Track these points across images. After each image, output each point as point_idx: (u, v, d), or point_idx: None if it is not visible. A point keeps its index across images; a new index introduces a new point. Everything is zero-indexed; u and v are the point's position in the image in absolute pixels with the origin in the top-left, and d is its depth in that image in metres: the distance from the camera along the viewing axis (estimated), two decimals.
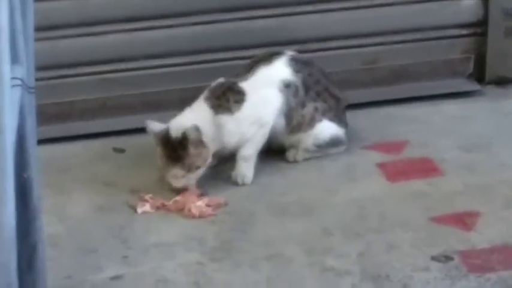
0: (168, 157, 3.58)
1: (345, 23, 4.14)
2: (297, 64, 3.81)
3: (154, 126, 3.62)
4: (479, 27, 4.23)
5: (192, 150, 3.55)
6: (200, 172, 3.60)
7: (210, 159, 3.62)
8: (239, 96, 3.70)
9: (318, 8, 4.10)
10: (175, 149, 3.57)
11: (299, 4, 4.09)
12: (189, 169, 3.57)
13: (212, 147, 3.64)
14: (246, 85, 3.73)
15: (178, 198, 3.56)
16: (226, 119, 3.67)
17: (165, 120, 3.67)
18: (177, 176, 3.58)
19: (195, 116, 3.64)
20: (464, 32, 4.24)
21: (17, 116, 2.11)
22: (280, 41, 3.98)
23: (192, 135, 3.54)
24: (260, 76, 3.77)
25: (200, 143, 3.56)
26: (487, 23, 4.21)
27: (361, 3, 4.14)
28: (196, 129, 3.54)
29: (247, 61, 3.86)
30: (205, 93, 3.70)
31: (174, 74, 4.06)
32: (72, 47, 3.97)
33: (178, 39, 4.05)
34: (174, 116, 3.67)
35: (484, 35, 4.23)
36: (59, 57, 3.94)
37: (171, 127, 3.59)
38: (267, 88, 3.76)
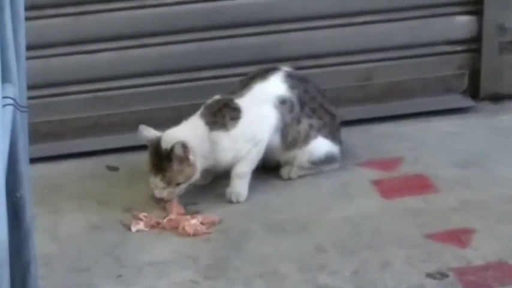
0: (154, 166, 3.59)
1: (338, 40, 4.15)
2: (293, 80, 3.81)
3: (148, 132, 3.63)
4: (473, 44, 4.24)
5: (175, 165, 3.55)
6: (182, 188, 3.60)
7: (195, 177, 3.61)
8: (235, 113, 3.70)
9: (310, 25, 4.11)
10: (162, 159, 3.57)
11: (291, 21, 4.09)
12: (169, 183, 3.57)
13: (204, 164, 3.65)
14: (242, 102, 3.73)
15: (172, 216, 3.55)
16: (221, 136, 3.68)
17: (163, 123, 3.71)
18: (158, 187, 3.58)
19: (190, 131, 3.66)
20: (458, 48, 4.25)
21: (9, 135, 2.10)
22: (272, 59, 3.99)
23: (177, 151, 3.53)
24: (256, 92, 3.77)
25: (185, 159, 3.56)
26: (481, 39, 4.22)
27: (354, 20, 4.14)
28: (184, 145, 3.54)
29: (240, 78, 3.86)
30: (201, 110, 3.71)
31: (167, 91, 4.07)
32: (65, 65, 3.97)
33: (170, 57, 4.06)
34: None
35: (478, 51, 4.23)
36: (51, 76, 3.94)
37: (163, 137, 3.59)
38: (263, 105, 3.76)
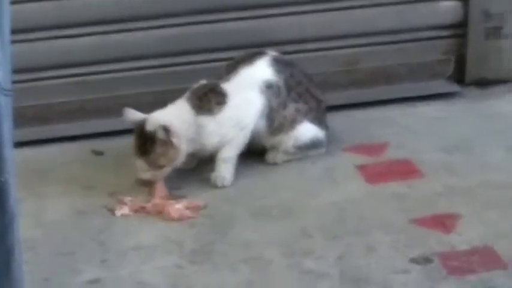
0: (138, 148, 3.61)
1: (323, 25, 4.17)
2: (279, 64, 3.81)
3: (133, 115, 3.63)
4: (459, 29, 4.25)
5: (158, 148, 3.56)
6: (165, 170, 3.61)
7: (179, 161, 3.63)
8: (221, 98, 3.70)
9: (295, 9, 4.13)
10: (146, 141, 3.59)
11: (277, 6, 4.10)
12: (152, 165, 3.59)
13: (190, 148, 3.65)
14: (228, 87, 3.73)
15: (157, 201, 3.56)
16: (207, 120, 3.68)
17: (147, 107, 3.71)
18: (142, 169, 3.60)
19: (176, 115, 3.66)
20: (444, 33, 4.26)
21: None
22: (258, 43, 3.99)
23: (159, 135, 3.55)
24: (242, 77, 3.78)
25: (168, 143, 3.57)
26: (466, 25, 4.23)
27: (339, 5, 4.16)
28: (166, 129, 3.55)
29: (226, 62, 3.87)
30: (187, 94, 3.72)
31: (151, 76, 4.08)
32: (49, 49, 3.97)
33: (155, 41, 4.07)
34: None
35: (464, 36, 4.25)
36: (36, 60, 3.93)
37: (148, 120, 3.59)
38: (249, 90, 3.76)
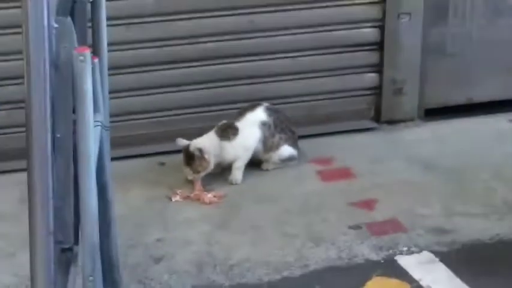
0: (185, 161, 3.60)
1: (296, 89, 4.13)
2: (270, 111, 3.79)
3: (182, 142, 3.63)
4: (377, 90, 4.21)
5: (196, 161, 3.57)
6: (201, 174, 3.60)
7: (210, 168, 3.61)
8: (235, 131, 3.69)
9: (279, 79, 4.09)
10: (189, 158, 3.59)
11: (267, 76, 4.07)
12: (194, 171, 3.58)
13: (216, 160, 3.64)
14: (239, 124, 3.72)
15: (197, 192, 3.55)
16: (226, 144, 3.67)
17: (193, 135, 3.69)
18: (188, 173, 3.60)
19: (208, 141, 3.65)
20: (367, 93, 4.22)
21: (98, 143, 2.10)
22: (256, 99, 3.94)
23: (196, 154, 3.56)
24: (247, 119, 3.75)
25: (202, 158, 3.57)
26: (381, 87, 4.20)
27: (303, 76, 4.13)
28: (200, 150, 3.57)
29: (238, 110, 3.84)
30: (215, 128, 3.70)
31: (195, 118, 4.02)
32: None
33: (197, 98, 4.02)
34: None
35: (379, 94, 4.21)
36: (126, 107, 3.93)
37: (191, 144, 3.59)
38: (252, 126, 3.75)
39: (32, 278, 1.81)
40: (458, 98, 4.38)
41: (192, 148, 3.58)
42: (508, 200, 3.48)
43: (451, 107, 4.36)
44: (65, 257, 2.03)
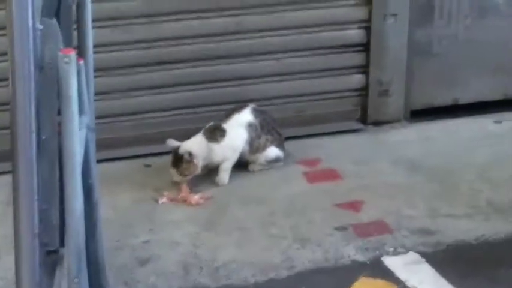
0: (173, 162, 3.60)
1: (282, 90, 4.14)
2: (256, 112, 3.80)
3: (173, 143, 3.63)
4: (363, 91, 4.23)
5: (184, 164, 3.57)
6: (188, 177, 3.60)
7: (197, 173, 3.61)
8: (222, 133, 3.70)
9: (266, 80, 4.10)
10: (178, 160, 3.59)
11: (254, 78, 4.08)
12: (181, 173, 3.58)
13: (204, 162, 3.64)
14: (226, 126, 3.73)
15: (183, 194, 3.55)
16: (214, 146, 3.67)
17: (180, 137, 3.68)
18: (174, 175, 3.60)
19: (197, 144, 3.65)
20: (354, 94, 4.24)
21: (84, 146, 2.09)
22: (243, 100, 3.95)
23: (185, 157, 3.56)
24: (234, 120, 3.76)
25: (191, 162, 3.57)
26: (367, 88, 4.22)
27: (290, 78, 4.14)
28: (190, 154, 3.56)
29: (225, 111, 3.84)
30: (203, 130, 3.70)
31: (183, 120, 4.03)
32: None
33: (184, 100, 4.03)
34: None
35: (366, 95, 4.23)
36: (113, 108, 3.92)
37: (181, 147, 3.59)
38: (239, 128, 3.75)
39: (17, 281, 1.81)
40: (444, 99, 4.40)
41: (181, 151, 3.58)
42: (493, 201, 3.49)
43: (437, 108, 4.38)
44: (51, 260, 2.03)
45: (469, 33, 4.34)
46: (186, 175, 3.59)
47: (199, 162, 3.61)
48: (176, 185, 3.61)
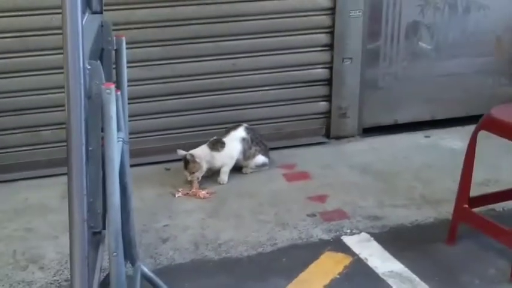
0: (184, 165, 3.58)
1: (266, 114, 4.12)
2: (248, 130, 3.78)
3: (180, 152, 3.60)
4: (327, 114, 4.22)
5: (190, 164, 3.55)
6: (196, 175, 3.57)
7: (202, 170, 3.58)
8: (222, 145, 3.67)
9: (254, 106, 4.08)
10: (186, 163, 3.57)
11: (245, 104, 4.06)
12: (189, 172, 3.56)
13: (207, 166, 3.62)
14: (226, 139, 3.70)
15: (194, 190, 3.53)
16: (216, 154, 3.65)
17: (190, 146, 3.68)
18: (187, 175, 3.57)
19: (200, 151, 3.63)
20: (320, 116, 4.23)
21: (120, 154, 2.10)
22: (238, 121, 3.93)
23: (190, 159, 3.55)
24: (232, 135, 3.74)
25: (194, 161, 3.56)
26: (330, 112, 4.21)
27: (267, 105, 4.12)
28: (192, 156, 3.56)
29: (225, 129, 3.83)
30: (207, 143, 3.68)
31: (192, 135, 3.98)
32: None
33: (194, 120, 4.00)
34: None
35: (329, 117, 4.22)
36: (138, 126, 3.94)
37: (188, 154, 3.57)
38: (235, 141, 3.73)
39: (71, 255, 1.81)
40: (387, 119, 4.41)
41: (189, 157, 3.57)
42: (424, 195, 3.50)
43: (382, 126, 4.38)
44: (96, 239, 2.03)
45: (405, 72, 4.34)
46: (193, 172, 3.56)
47: (202, 163, 3.57)
48: (189, 183, 3.60)
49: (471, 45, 4.40)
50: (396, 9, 4.20)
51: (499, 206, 3.25)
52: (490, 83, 4.53)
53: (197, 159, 3.56)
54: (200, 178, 3.60)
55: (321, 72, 4.14)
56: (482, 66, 4.47)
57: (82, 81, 1.72)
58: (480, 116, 2.87)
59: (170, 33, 3.78)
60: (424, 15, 4.26)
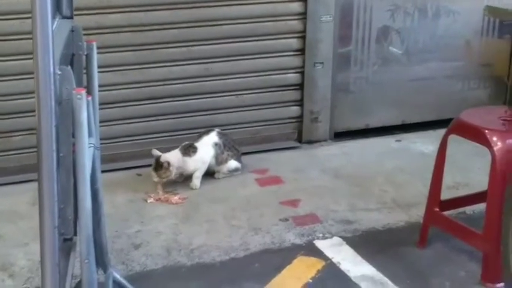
0: (154, 167, 3.56)
1: (241, 119, 4.12)
2: (221, 135, 3.78)
3: (156, 152, 3.58)
4: (300, 118, 4.25)
5: (162, 170, 3.54)
6: (164, 181, 3.56)
7: (171, 177, 3.57)
8: (194, 149, 3.66)
9: (229, 111, 4.09)
10: (158, 166, 3.55)
11: (219, 109, 4.06)
12: (159, 176, 3.55)
13: (178, 171, 3.60)
14: (198, 144, 3.69)
15: (166, 195, 3.52)
16: (187, 159, 3.64)
17: (163, 151, 3.64)
18: (154, 177, 3.56)
19: (174, 156, 3.60)
20: (293, 121, 4.25)
21: (91, 160, 2.08)
22: (210, 125, 3.94)
23: (164, 165, 3.53)
24: (204, 140, 3.73)
25: (168, 169, 3.54)
26: (302, 117, 4.23)
27: (245, 109, 4.12)
28: (168, 163, 3.54)
29: (197, 133, 3.82)
30: (180, 147, 3.67)
31: (162, 139, 3.98)
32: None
33: (166, 125, 3.99)
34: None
35: (301, 122, 4.24)
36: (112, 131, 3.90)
37: (162, 156, 3.55)
38: (207, 146, 3.72)
39: (42, 262, 1.79)
40: (359, 124, 4.44)
41: (162, 159, 3.55)
42: (396, 199, 3.52)
43: (353, 131, 4.41)
44: (67, 245, 2.01)
45: (376, 76, 4.38)
46: (162, 178, 3.56)
47: (174, 170, 3.57)
48: (154, 184, 3.58)
49: (441, 50, 4.45)
50: (367, 14, 4.24)
51: (469, 209, 3.28)
52: (460, 87, 4.58)
53: (171, 168, 3.55)
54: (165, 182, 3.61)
55: (292, 76, 4.16)
56: (452, 70, 4.53)
57: (52, 86, 1.71)
58: (450, 119, 2.90)
59: (143, 38, 3.77)
60: (395, 20, 4.30)
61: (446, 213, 3.01)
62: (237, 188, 3.66)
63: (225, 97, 4.04)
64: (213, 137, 3.76)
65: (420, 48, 4.41)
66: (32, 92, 1.74)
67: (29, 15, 1.66)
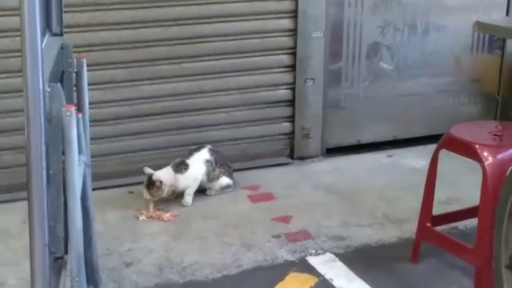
0: (146, 185, 3.55)
1: (231, 135, 4.11)
2: (212, 151, 3.77)
3: (148, 170, 3.57)
4: (291, 135, 4.23)
5: (154, 188, 3.53)
6: (156, 198, 3.55)
7: (162, 195, 3.55)
8: (186, 166, 3.65)
9: (220, 128, 4.08)
10: (150, 183, 3.54)
11: (209, 126, 4.06)
12: (151, 195, 3.53)
13: (170, 189, 3.59)
14: (189, 161, 3.68)
15: (158, 212, 3.50)
16: (179, 177, 3.62)
17: (154, 168, 3.63)
18: (145, 194, 3.55)
19: (166, 174, 3.59)
20: (283, 137, 4.23)
21: (82, 177, 2.08)
22: (202, 142, 3.92)
23: (156, 184, 3.52)
24: (195, 157, 3.72)
25: (160, 188, 3.53)
26: (294, 133, 4.22)
27: (235, 126, 4.12)
28: (161, 182, 3.52)
29: (188, 150, 3.82)
30: (171, 164, 3.66)
31: (154, 157, 3.96)
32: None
33: (158, 142, 3.98)
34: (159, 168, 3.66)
35: (292, 138, 4.23)
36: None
37: (154, 175, 3.54)
38: (199, 163, 3.71)
39: (32, 280, 1.78)
40: (350, 140, 4.44)
41: (155, 178, 3.53)
42: (388, 214, 3.52)
43: (345, 147, 4.41)
44: (57, 264, 2.00)
45: (367, 92, 4.39)
46: (154, 196, 3.54)
47: (166, 188, 3.56)
48: (146, 201, 3.57)
49: (431, 66, 4.47)
50: (357, 30, 4.25)
51: (461, 224, 3.28)
52: (450, 103, 4.60)
53: (163, 187, 3.54)
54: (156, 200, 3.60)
55: (283, 93, 4.16)
56: (442, 86, 4.55)
57: (42, 104, 1.71)
58: (441, 135, 2.90)
59: (133, 55, 3.77)
60: (385, 36, 4.32)
61: (438, 228, 3.01)
62: (229, 205, 3.64)
63: (216, 114, 4.04)
64: (204, 154, 3.75)
65: (410, 64, 4.43)
66: (22, 110, 1.73)
67: (19, 32, 1.66)
